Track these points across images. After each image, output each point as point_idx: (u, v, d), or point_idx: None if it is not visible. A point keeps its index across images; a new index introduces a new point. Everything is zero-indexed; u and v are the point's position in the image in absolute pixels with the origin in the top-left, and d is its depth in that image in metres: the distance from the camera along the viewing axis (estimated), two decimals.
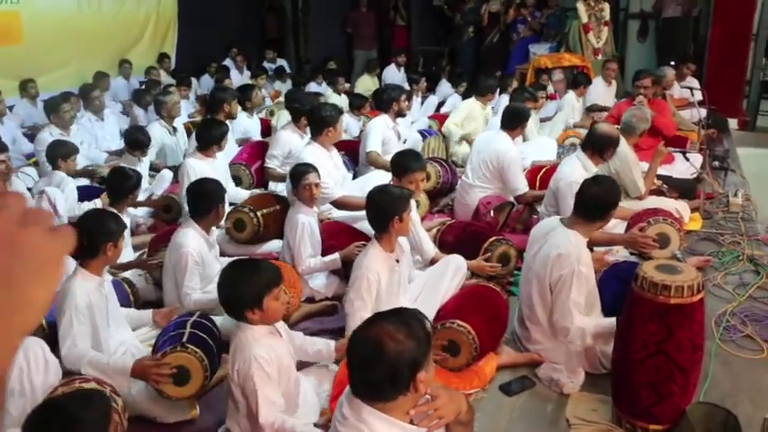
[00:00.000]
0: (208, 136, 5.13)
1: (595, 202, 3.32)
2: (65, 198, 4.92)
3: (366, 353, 1.89)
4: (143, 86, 8.91)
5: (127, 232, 4.42)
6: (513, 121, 5.27)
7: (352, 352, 1.95)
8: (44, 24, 8.62)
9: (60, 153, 5.26)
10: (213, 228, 4.05)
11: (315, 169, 4.28)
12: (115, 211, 4.14)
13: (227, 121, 5.96)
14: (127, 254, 4.32)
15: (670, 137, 6.33)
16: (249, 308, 2.61)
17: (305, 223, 4.15)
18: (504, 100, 7.80)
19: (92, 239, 3.16)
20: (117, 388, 2.91)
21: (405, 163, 4.23)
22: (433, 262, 4.08)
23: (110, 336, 3.25)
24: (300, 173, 4.22)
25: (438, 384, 2.14)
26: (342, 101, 8.45)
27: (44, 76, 8.32)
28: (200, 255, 3.77)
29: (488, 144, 5.25)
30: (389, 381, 1.87)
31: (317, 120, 5.06)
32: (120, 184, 4.49)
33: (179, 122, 6.86)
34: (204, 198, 3.88)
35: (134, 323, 3.63)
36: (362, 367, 1.91)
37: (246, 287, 2.62)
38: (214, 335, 3.23)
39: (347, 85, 9.90)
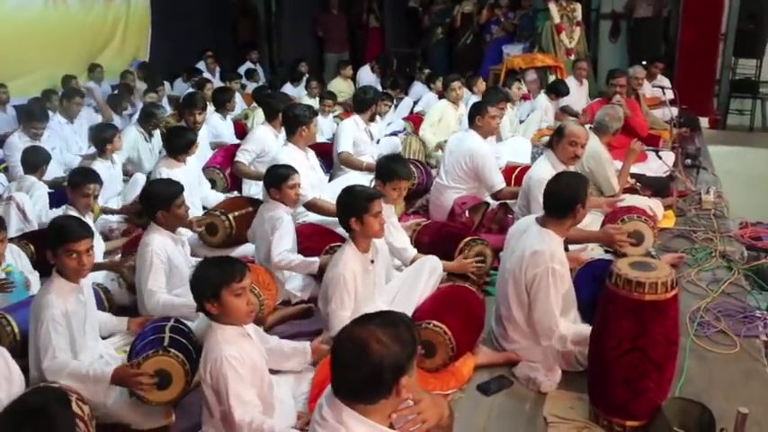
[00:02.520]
0: (175, 144, 5.13)
1: (559, 199, 3.33)
2: (34, 203, 4.84)
3: (351, 353, 1.86)
4: (116, 91, 8.81)
5: (97, 236, 4.39)
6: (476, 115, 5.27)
7: (336, 351, 1.93)
8: (10, 27, 8.45)
9: (39, 160, 5.20)
10: (181, 229, 4.02)
11: (296, 171, 4.27)
12: (77, 213, 4.07)
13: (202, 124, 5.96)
14: (98, 258, 4.26)
15: (644, 136, 6.39)
16: (206, 299, 2.62)
17: (285, 218, 4.11)
18: (474, 99, 7.79)
19: (52, 249, 3.09)
20: (94, 396, 2.88)
21: (393, 167, 4.17)
22: (413, 262, 4.06)
23: (86, 342, 3.18)
24: (285, 174, 4.18)
25: (420, 389, 2.13)
26: (316, 103, 8.45)
27: (13, 81, 8.16)
28: (165, 252, 3.71)
29: (460, 144, 5.25)
30: (372, 383, 1.85)
31: (290, 119, 5.05)
32: (71, 179, 4.37)
33: None
34: (149, 202, 3.83)
35: (109, 330, 3.57)
36: (346, 367, 1.88)
37: (206, 278, 2.63)
38: (192, 340, 3.19)
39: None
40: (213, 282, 2.59)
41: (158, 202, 3.77)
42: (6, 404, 2.57)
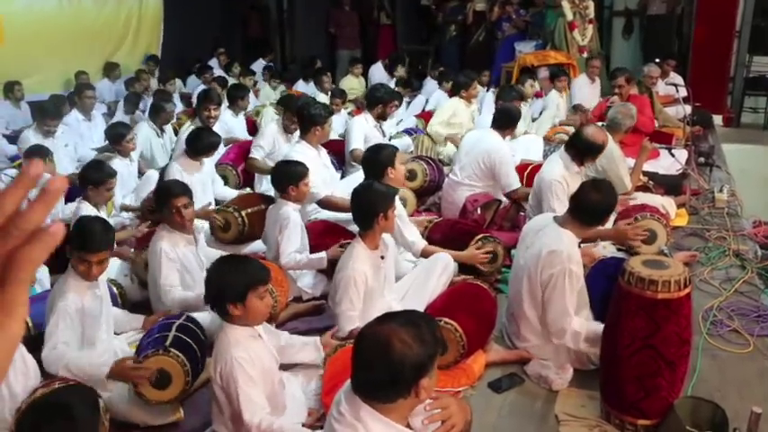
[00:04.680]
0: (199, 146, 5.08)
1: (594, 207, 3.30)
2: None
3: (373, 351, 1.87)
4: (130, 89, 8.82)
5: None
6: (505, 122, 5.26)
7: (358, 348, 1.93)
8: (24, 24, 8.50)
9: (41, 156, 5.20)
10: (196, 225, 4.03)
11: (307, 168, 4.27)
12: (91, 208, 4.15)
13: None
14: None
15: (648, 134, 6.36)
16: (232, 301, 2.58)
17: (292, 216, 4.11)
18: (488, 97, 7.78)
19: (72, 247, 3.10)
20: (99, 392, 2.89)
21: (380, 159, 4.21)
22: (424, 254, 4.06)
23: (100, 338, 3.20)
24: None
25: (443, 394, 2.14)
26: (328, 99, 8.46)
27: (28, 79, 8.23)
28: (174, 251, 3.72)
29: (478, 143, 5.23)
30: (392, 383, 1.85)
31: (305, 118, 5.06)
32: (91, 177, 4.36)
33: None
34: (157, 202, 3.86)
35: (124, 326, 3.58)
36: (366, 365, 1.88)
37: (233, 279, 2.61)
38: (199, 339, 3.20)
39: (333, 86, 9.91)
40: (240, 284, 2.58)
41: (162, 201, 3.79)
42: (21, 396, 2.62)
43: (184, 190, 3.83)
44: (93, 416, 2.24)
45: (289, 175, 4.18)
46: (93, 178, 4.32)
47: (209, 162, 5.43)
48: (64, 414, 2.10)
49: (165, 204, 3.76)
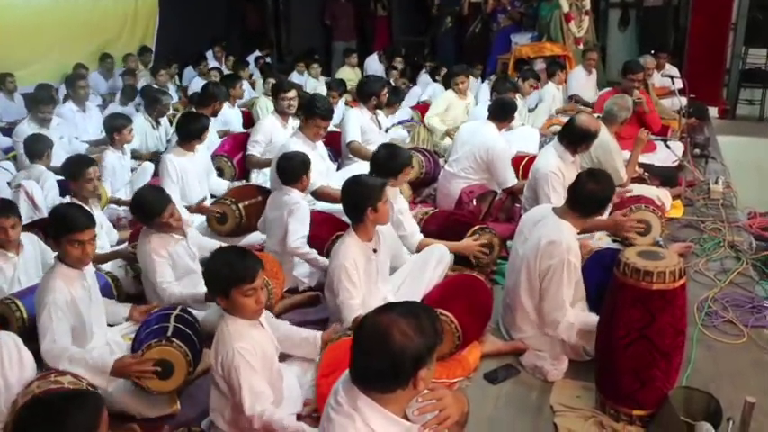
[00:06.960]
0: (188, 129, 5.07)
1: (591, 197, 3.31)
2: (45, 192, 4.84)
3: (372, 341, 1.86)
4: (125, 81, 8.78)
5: (103, 225, 4.39)
6: (502, 114, 5.26)
7: (358, 337, 1.92)
8: (20, 17, 8.44)
9: (39, 148, 5.19)
10: (185, 218, 4.02)
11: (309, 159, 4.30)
12: (79, 202, 4.04)
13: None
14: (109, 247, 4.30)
15: (657, 131, 6.38)
16: (217, 294, 2.64)
17: (302, 202, 4.12)
18: (483, 88, 7.77)
19: (55, 237, 3.11)
20: (95, 384, 2.89)
21: (395, 162, 4.16)
22: (420, 248, 4.05)
23: (92, 330, 3.20)
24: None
25: (438, 385, 2.14)
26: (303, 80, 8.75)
27: (21, 70, 8.18)
28: (165, 249, 3.68)
29: (475, 136, 5.22)
30: (390, 372, 1.85)
31: (308, 112, 5.05)
32: (69, 170, 4.30)
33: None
34: (140, 212, 3.74)
35: (111, 317, 3.57)
36: (366, 354, 1.88)
37: (217, 274, 2.64)
38: (196, 329, 3.20)
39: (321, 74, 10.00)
40: (224, 280, 2.60)
41: (147, 215, 3.68)
42: (16, 388, 2.62)
43: (167, 201, 3.69)
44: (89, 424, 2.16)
45: (301, 166, 4.19)
46: (71, 172, 4.27)
47: (204, 153, 5.41)
48: (57, 422, 2.03)
49: (152, 220, 3.66)
